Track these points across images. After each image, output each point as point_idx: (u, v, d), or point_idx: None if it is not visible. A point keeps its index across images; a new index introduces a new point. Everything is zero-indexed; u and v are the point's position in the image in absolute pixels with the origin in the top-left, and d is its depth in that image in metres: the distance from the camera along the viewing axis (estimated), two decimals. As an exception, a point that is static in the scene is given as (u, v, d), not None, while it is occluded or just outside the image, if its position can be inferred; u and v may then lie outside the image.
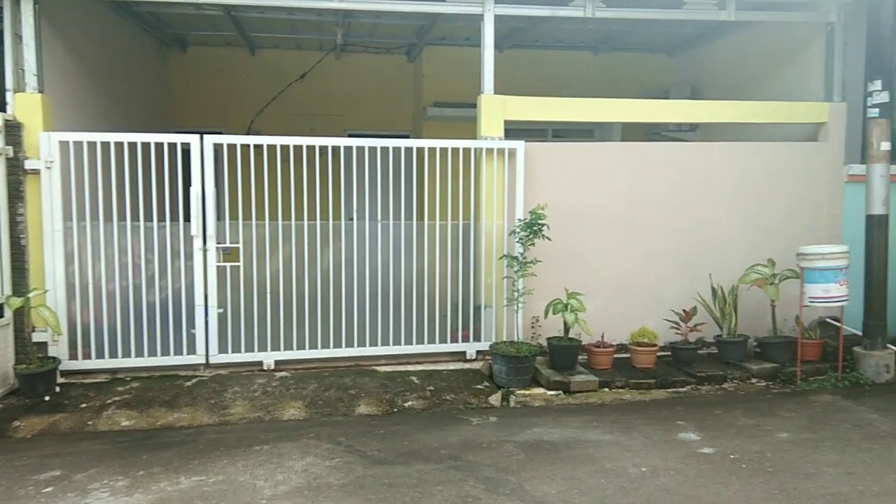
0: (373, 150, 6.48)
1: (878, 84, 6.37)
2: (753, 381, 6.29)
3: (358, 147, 6.47)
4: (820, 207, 7.33)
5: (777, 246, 6.96)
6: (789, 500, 3.88)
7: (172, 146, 6.07)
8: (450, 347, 6.64)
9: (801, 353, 6.41)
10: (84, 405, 5.42)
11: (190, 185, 6.02)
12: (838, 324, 6.58)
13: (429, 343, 6.59)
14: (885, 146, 6.41)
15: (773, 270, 6.55)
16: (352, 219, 6.59)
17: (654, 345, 6.46)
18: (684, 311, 6.63)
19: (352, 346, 6.42)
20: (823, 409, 5.56)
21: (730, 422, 5.21)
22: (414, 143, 6.81)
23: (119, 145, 6.03)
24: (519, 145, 6.66)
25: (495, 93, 6.74)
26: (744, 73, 8.63)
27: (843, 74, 7.29)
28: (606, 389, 5.97)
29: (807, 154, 7.33)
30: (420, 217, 6.77)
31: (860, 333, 6.59)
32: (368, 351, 6.45)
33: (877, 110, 6.41)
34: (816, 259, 6.26)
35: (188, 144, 6.05)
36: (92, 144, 5.96)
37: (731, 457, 4.50)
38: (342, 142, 6.52)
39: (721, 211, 7.19)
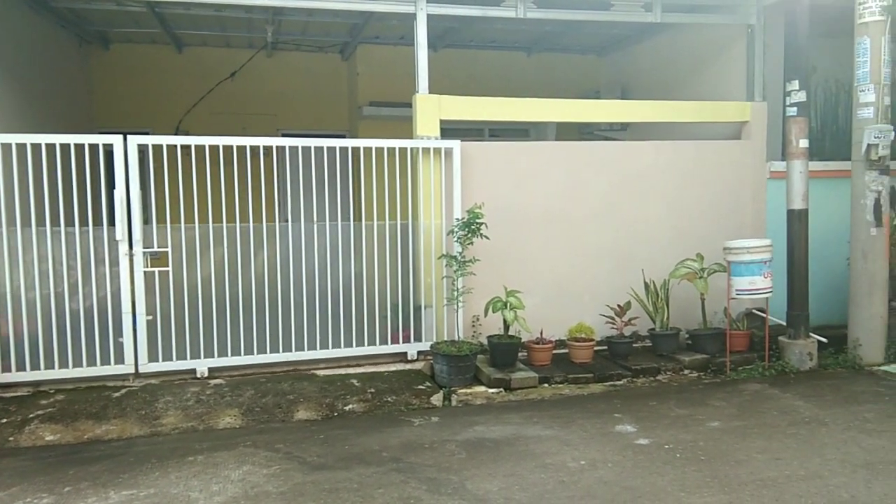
0: (307, 149, 6.35)
1: (795, 84, 6.63)
2: (686, 372, 6.48)
3: (292, 147, 6.34)
4: (745, 203, 7.60)
5: (707, 241, 7.14)
6: (721, 487, 4.00)
7: (94, 147, 5.81)
8: (391, 349, 6.58)
9: (730, 343, 6.64)
10: (4, 420, 5.14)
11: (114, 187, 5.78)
12: (764, 315, 6.85)
13: (369, 345, 6.51)
14: (804, 143, 6.69)
15: (701, 265, 6.76)
16: (287, 220, 6.45)
17: (591, 340, 6.59)
18: (619, 305, 6.77)
19: (289, 350, 6.28)
20: (752, 397, 5.77)
21: (664, 413, 5.35)
22: (350, 142, 6.73)
23: (36, 147, 5.72)
24: (455, 144, 6.67)
25: (431, 92, 6.72)
26: (670, 74, 8.89)
27: (763, 75, 7.59)
28: (546, 385, 6.04)
29: (732, 152, 7.60)
30: (357, 218, 6.70)
31: (785, 324, 6.85)
32: (307, 355, 6.33)
33: (795, 109, 6.67)
34: (742, 253, 6.50)
35: (111, 145, 5.80)
36: (7, 146, 5.64)
37: (666, 447, 4.62)
38: (276, 142, 6.38)
39: (653, 208, 7.38)
